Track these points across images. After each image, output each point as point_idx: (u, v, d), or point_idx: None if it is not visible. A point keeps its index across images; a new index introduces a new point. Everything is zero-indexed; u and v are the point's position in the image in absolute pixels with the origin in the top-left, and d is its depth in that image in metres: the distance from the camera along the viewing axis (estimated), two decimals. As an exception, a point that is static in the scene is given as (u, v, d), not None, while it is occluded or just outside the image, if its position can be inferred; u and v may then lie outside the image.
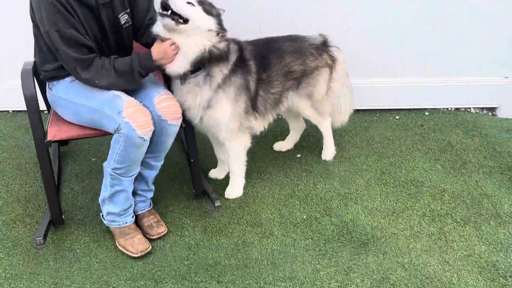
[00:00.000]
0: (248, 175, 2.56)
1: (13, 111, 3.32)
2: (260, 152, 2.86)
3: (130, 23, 2.19)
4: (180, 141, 2.84)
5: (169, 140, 2.18)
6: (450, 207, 2.42)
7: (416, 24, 3.02)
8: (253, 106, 2.34)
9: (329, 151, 2.80)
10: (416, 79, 3.22)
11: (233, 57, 2.22)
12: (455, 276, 2.03)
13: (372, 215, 2.37)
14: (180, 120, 2.14)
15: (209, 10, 2.12)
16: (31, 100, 2.04)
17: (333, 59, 2.56)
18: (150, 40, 2.16)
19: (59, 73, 2.13)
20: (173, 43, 2.05)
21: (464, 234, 2.25)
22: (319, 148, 2.86)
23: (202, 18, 2.08)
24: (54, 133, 2.11)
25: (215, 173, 2.66)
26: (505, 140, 2.97)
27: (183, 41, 2.05)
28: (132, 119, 1.94)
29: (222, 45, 2.15)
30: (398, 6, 2.97)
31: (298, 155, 2.86)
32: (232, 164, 2.46)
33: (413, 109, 3.32)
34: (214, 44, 2.10)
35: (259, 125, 2.44)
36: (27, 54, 2.33)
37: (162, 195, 2.49)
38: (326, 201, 2.47)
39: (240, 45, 2.29)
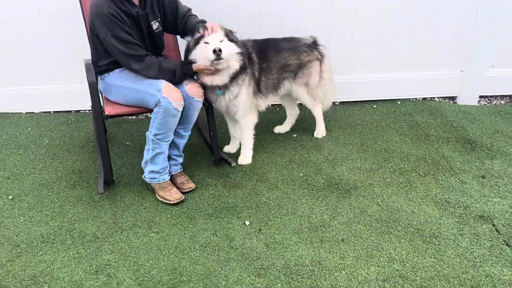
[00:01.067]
0: (256, 150, 3.23)
1: (54, 111, 3.98)
2: (264, 134, 3.53)
3: (161, 29, 2.88)
4: (198, 129, 3.53)
5: (195, 113, 2.86)
6: (415, 165, 3.10)
7: (387, 29, 3.75)
8: (258, 89, 3.04)
9: (320, 130, 3.48)
10: (389, 74, 3.93)
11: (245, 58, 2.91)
12: (416, 208, 2.69)
13: (354, 173, 3.04)
14: (202, 98, 2.83)
15: (233, 39, 2.81)
16: (93, 84, 2.72)
17: (321, 55, 3.28)
18: (187, 31, 2.87)
19: (110, 67, 2.81)
20: (209, 69, 2.74)
21: (424, 182, 2.92)
22: (311, 130, 3.54)
23: (232, 50, 2.77)
24: (109, 110, 2.79)
25: (229, 148, 3.33)
26: (460, 119, 3.68)
27: (223, 66, 2.76)
28: (169, 95, 2.62)
29: (242, 60, 2.85)
30: (373, 14, 3.70)
31: (294, 135, 3.54)
32: (243, 137, 3.14)
33: (387, 99, 4.03)
34: (239, 62, 2.82)
35: (263, 103, 3.14)
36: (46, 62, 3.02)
37: (189, 165, 3.14)
38: (318, 165, 3.13)
39: (244, 43, 2.98)
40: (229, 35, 2.80)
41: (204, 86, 2.86)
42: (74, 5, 3.07)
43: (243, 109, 3.01)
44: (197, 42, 2.74)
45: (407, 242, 2.43)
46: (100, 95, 2.90)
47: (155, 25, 2.82)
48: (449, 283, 2.18)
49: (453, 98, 4.07)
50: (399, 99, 4.03)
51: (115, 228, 2.60)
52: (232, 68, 2.80)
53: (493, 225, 2.54)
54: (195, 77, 2.88)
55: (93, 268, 2.33)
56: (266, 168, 3.12)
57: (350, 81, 3.92)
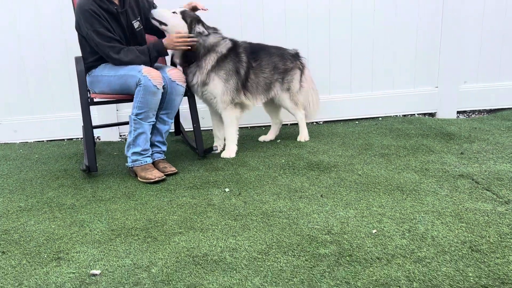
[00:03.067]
0: (240, 149, 3.30)
1: (47, 140, 4.11)
2: (249, 143, 3.62)
3: (141, 27, 3.11)
4: (182, 135, 3.64)
5: (178, 99, 2.99)
6: (395, 151, 3.14)
7: (362, 50, 4.04)
8: (243, 86, 3.20)
9: (303, 134, 3.57)
10: (366, 92, 4.13)
11: (223, 50, 3.14)
12: (396, 175, 2.69)
13: (335, 158, 3.08)
14: (185, 84, 2.99)
15: (187, 20, 3.03)
16: (81, 72, 2.91)
17: (302, 65, 3.51)
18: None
19: (96, 63, 3.01)
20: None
21: (404, 160, 2.95)
22: (294, 137, 3.63)
23: (178, 24, 3.01)
24: (94, 97, 2.95)
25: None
26: (438, 123, 3.80)
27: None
28: (148, 73, 2.78)
29: (209, 42, 3.07)
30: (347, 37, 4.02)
31: (278, 141, 3.63)
32: (227, 131, 3.22)
33: (369, 117, 4.18)
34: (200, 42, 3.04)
35: (250, 102, 3.26)
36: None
37: (172, 160, 3.19)
38: (300, 155, 3.18)
39: (234, 42, 3.20)
40: (184, 13, 3.05)
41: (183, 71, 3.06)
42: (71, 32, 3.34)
43: (222, 102, 3.13)
44: None
45: (386, 195, 2.41)
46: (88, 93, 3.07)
47: (136, 23, 3.05)
48: (429, 215, 2.13)
49: (432, 115, 4.22)
50: (380, 116, 4.18)
51: (94, 199, 2.59)
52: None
53: (473, 179, 2.53)
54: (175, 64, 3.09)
55: (66, 223, 2.29)
56: (249, 158, 3.16)
57: (332, 100, 4.10)
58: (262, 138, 3.67)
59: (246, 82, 3.23)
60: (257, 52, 3.30)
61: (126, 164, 2.93)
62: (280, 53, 3.41)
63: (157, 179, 2.77)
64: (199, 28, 3.05)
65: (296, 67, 3.45)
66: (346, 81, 4.11)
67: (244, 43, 3.28)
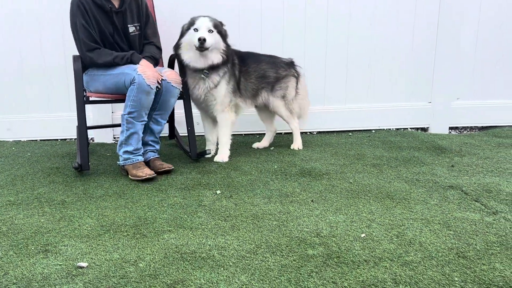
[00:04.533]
0: (232, 154, 3.31)
1: (40, 139, 4.11)
2: (242, 149, 3.63)
3: (137, 33, 3.08)
4: (176, 139, 3.65)
5: (172, 100, 3.01)
6: (386, 161, 3.17)
7: (358, 64, 4.10)
8: (238, 87, 3.25)
9: (297, 142, 3.60)
10: (360, 105, 4.18)
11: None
12: (387, 184, 2.71)
13: (327, 166, 3.10)
14: (181, 86, 3.01)
15: (221, 31, 3.09)
16: (78, 71, 2.92)
17: (298, 73, 3.55)
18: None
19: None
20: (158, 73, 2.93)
21: (395, 170, 2.97)
22: (288, 145, 3.66)
23: (218, 42, 3.06)
24: (90, 96, 2.96)
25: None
26: (430, 137, 3.84)
27: (207, 54, 3.04)
28: (143, 72, 2.79)
29: (225, 54, 3.10)
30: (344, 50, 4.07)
31: (272, 148, 3.64)
32: (221, 134, 3.24)
33: (362, 130, 4.21)
34: (222, 56, 3.08)
35: (243, 104, 3.31)
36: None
37: (166, 162, 3.19)
38: (293, 162, 3.20)
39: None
40: (218, 27, 3.08)
41: (185, 72, 3.07)
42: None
43: (221, 104, 3.17)
44: (188, 27, 3.04)
45: (376, 203, 2.42)
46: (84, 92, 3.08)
47: (131, 28, 3.04)
48: (418, 222, 2.15)
49: (425, 129, 4.27)
50: (374, 129, 4.22)
51: (85, 197, 2.58)
52: (215, 58, 3.05)
53: (462, 190, 2.56)
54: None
55: (56, 218, 2.28)
56: (242, 163, 3.17)
57: (326, 111, 4.14)
58: (256, 145, 3.69)
59: (239, 84, 3.28)
60: (245, 59, 3.35)
61: (118, 162, 2.93)
62: (271, 61, 3.45)
63: (147, 176, 2.78)
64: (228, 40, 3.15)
65: (291, 75, 3.49)
66: (341, 93, 4.16)
67: (235, 49, 3.31)
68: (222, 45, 3.09)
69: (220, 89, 3.14)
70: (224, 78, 3.15)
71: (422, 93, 4.20)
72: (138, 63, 2.90)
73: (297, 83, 3.53)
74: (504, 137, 3.81)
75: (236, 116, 3.30)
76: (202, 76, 3.09)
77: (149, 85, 2.79)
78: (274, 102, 3.45)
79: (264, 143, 3.69)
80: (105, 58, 2.88)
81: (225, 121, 3.22)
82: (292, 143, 3.60)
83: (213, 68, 3.07)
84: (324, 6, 3.94)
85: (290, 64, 3.53)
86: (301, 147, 3.59)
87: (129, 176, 2.85)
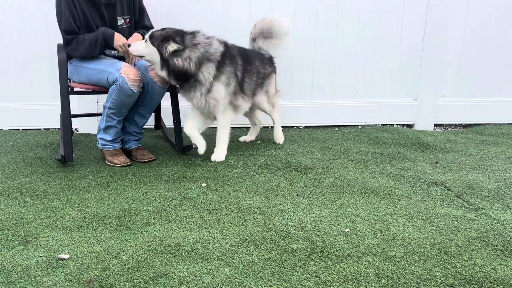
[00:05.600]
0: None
1: (22, 129, 4.04)
2: (229, 142, 3.61)
3: (126, 26, 3.02)
4: (161, 129, 3.62)
5: (158, 98, 2.98)
6: (372, 157, 3.19)
7: (343, 59, 4.10)
8: (241, 89, 3.12)
9: (279, 135, 3.59)
10: (347, 100, 4.19)
11: (217, 57, 2.93)
12: (371, 179, 2.73)
13: (313, 160, 3.10)
14: (167, 85, 2.97)
15: (153, 42, 2.77)
16: (62, 62, 2.87)
17: (275, 68, 3.52)
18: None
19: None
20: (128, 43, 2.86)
21: (380, 165, 2.99)
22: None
23: (149, 52, 2.79)
24: (74, 86, 2.91)
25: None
26: (415, 133, 3.87)
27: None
28: (126, 75, 2.73)
29: (198, 56, 2.80)
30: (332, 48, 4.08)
31: (258, 142, 3.64)
32: (220, 134, 3.11)
33: (349, 125, 4.23)
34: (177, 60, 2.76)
35: (245, 105, 3.20)
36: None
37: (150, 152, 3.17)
38: (279, 156, 3.20)
39: (225, 44, 3.04)
40: (153, 40, 2.80)
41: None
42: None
43: (223, 105, 3.02)
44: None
45: (361, 198, 2.43)
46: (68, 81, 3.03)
47: (120, 20, 2.98)
48: (402, 218, 2.16)
49: (410, 126, 4.30)
50: (360, 124, 4.24)
51: (68, 188, 2.55)
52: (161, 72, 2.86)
53: (445, 187, 2.59)
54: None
55: (37, 209, 2.24)
56: (228, 156, 3.16)
57: (313, 105, 4.15)
58: (242, 138, 3.68)
59: (243, 85, 3.12)
60: (247, 56, 3.21)
61: (97, 144, 2.93)
62: (260, 57, 3.38)
63: (123, 164, 2.82)
64: (170, 48, 2.75)
65: (273, 71, 3.48)
66: (328, 88, 4.16)
67: (234, 46, 3.13)
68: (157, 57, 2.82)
69: (217, 93, 2.96)
70: (220, 82, 2.96)
71: (409, 90, 4.23)
72: (112, 41, 2.82)
73: (275, 77, 3.52)
74: (487, 135, 3.86)
75: (234, 113, 3.17)
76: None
77: (131, 89, 2.75)
78: (260, 98, 3.41)
79: (251, 136, 3.68)
80: (81, 50, 2.79)
81: (225, 120, 3.08)
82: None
83: (179, 77, 2.86)
84: (314, 2, 3.92)
85: (271, 59, 3.51)
86: (283, 138, 3.59)
87: (106, 162, 2.88)
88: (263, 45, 3.49)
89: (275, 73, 3.51)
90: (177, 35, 2.81)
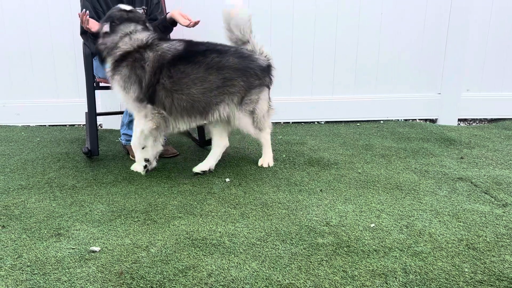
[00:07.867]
0: (241, 146, 3.31)
1: (49, 125, 4.13)
2: (250, 137, 3.63)
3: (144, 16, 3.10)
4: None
5: None
6: (395, 152, 3.17)
7: (368, 54, 4.07)
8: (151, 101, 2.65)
9: (267, 157, 2.89)
10: (369, 95, 4.16)
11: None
12: (395, 175, 2.71)
13: (335, 156, 3.10)
14: None
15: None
16: (88, 57, 2.92)
17: (268, 82, 2.76)
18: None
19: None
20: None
21: (404, 161, 2.97)
22: (296, 134, 3.65)
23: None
24: (99, 81, 2.96)
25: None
26: (439, 128, 3.83)
27: None
28: None
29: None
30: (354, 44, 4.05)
31: (280, 137, 3.64)
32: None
33: (371, 120, 4.20)
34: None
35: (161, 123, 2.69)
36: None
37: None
38: (300, 152, 3.20)
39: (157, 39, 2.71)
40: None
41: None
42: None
43: (131, 108, 2.67)
44: None
45: (385, 193, 2.42)
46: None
47: (140, 11, 3.03)
48: (427, 213, 2.15)
49: (433, 121, 4.24)
50: (382, 120, 4.20)
51: (95, 182, 2.60)
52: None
53: (471, 182, 2.55)
54: None
55: (67, 203, 2.30)
56: (250, 152, 3.18)
57: (334, 101, 4.13)
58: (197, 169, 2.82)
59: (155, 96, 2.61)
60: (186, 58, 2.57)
61: (120, 139, 2.97)
62: (240, 64, 2.60)
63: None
64: (104, 28, 2.61)
65: (263, 84, 2.70)
66: (349, 82, 4.14)
67: (177, 43, 2.64)
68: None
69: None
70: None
71: (432, 84, 4.17)
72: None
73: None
74: (514, 130, 3.79)
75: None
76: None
77: None
78: (241, 120, 2.68)
79: (209, 162, 2.78)
80: (91, 45, 2.84)
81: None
82: (299, 136, 3.58)
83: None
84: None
85: (266, 69, 2.69)
86: (272, 163, 2.89)
87: (130, 157, 2.89)
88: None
89: (268, 88, 2.74)
90: (117, 20, 2.61)
